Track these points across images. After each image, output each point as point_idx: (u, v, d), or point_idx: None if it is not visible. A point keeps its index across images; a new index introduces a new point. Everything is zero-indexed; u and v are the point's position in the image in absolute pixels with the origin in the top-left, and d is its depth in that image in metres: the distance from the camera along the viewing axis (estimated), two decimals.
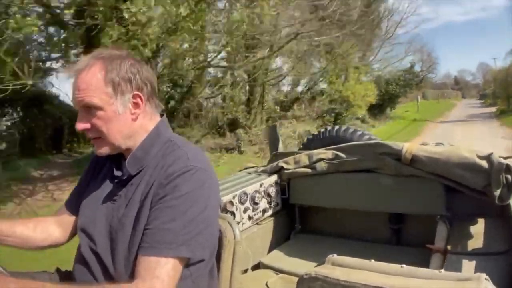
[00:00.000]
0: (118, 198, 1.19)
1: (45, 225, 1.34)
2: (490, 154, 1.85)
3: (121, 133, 1.18)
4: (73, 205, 1.34)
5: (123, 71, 1.15)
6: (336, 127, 3.59)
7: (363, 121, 17.83)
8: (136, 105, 1.19)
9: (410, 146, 2.09)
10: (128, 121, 1.18)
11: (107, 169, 1.30)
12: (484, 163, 1.84)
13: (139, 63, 1.22)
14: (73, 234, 1.35)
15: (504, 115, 21.15)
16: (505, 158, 1.87)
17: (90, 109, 1.14)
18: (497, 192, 1.78)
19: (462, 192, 1.94)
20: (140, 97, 1.19)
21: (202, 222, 1.11)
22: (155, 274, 1.03)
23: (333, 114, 16.19)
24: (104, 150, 1.20)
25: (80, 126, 1.16)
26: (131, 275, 1.07)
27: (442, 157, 1.95)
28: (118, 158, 1.26)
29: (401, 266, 1.04)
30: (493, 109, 27.24)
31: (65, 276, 1.30)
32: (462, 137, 13.41)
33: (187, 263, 1.12)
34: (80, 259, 1.20)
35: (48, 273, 1.31)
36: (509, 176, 1.78)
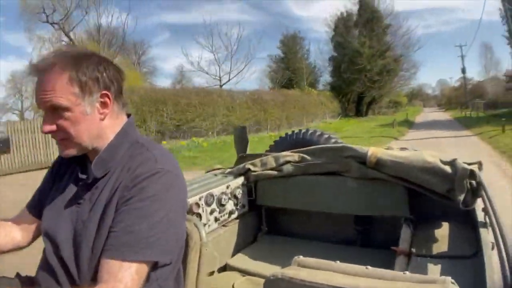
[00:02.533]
0: (83, 202, 1.15)
1: (7, 229, 1.29)
2: (454, 160, 1.89)
3: (89, 134, 1.13)
4: (35, 207, 1.30)
5: (90, 70, 1.11)
6: (303, 130, 3.62)
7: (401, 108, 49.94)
8: (104, 104, 1.15)
9: (375, 150, 2.13)
10: (96, 121, 1.14)
11: (71, 171, 1.25)
12: (447, 168, 1.87)
13: (106, 61, 1.17)
14: (35, 237, 1.31)
15: (447, 110, 59.10)
16: (469, 164, 1.92)
17: (56, 110, 1.09)
18: (461, 197, 1.82)
19: (426, 195, 1.99)
20: (108, 96, 1.15)
21: (168, 225, 1.08)
22: (118, 277, 1.00)
23: (393, 108, 43.15)
24: (71, 152, 1.15)
25: (47, 128, 1.11)
26: (96, 280, 1.04)
27: (406, 161, 1.99)
28: (83, 160, 1.21)
29: (366, 268, 1.05)
30: (444, 109, 66.71)
31: (26, 281, 1.25)
32: (432, 114, 50.16)
33: (153, 267, 1.09)
34: (45, 263, 1.16)
35: (6, 278, 1.25)
36: (473, 182, 1.82)
